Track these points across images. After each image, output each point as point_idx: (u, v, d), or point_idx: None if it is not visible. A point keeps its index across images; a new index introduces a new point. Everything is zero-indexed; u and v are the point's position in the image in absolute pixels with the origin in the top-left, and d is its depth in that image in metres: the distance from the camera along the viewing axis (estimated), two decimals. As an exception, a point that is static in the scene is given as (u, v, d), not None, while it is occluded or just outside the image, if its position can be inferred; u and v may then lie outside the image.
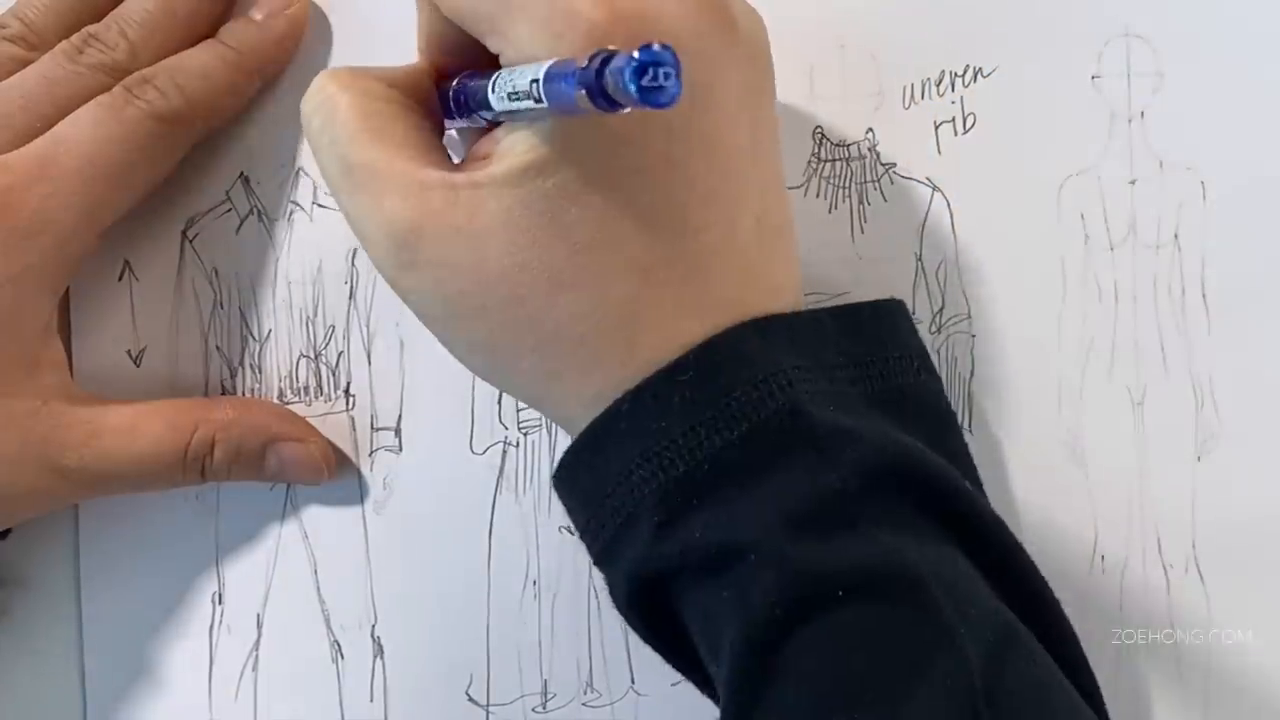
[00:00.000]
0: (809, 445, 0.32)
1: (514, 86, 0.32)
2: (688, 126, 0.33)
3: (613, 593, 0.35)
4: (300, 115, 0.36)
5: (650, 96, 0.27)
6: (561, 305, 0.33)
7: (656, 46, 0.27)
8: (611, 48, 0.28)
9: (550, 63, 0.30)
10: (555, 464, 0.36)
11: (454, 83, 0.37)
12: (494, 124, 0.35)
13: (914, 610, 0.31)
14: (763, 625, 0.31)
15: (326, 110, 0.35)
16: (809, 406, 0.33)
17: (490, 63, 0.34)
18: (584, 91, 0.28)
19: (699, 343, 0.33)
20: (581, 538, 0.35)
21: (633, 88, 0.27)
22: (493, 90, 0.33)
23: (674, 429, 0.33)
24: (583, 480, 0.35)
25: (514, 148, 0.33)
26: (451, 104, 0.37)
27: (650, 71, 0.27)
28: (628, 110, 0.28)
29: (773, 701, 0.31)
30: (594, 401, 0.34)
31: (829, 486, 0.32)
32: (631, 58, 0.27)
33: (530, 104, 0.31)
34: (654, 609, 0.34)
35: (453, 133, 0.39)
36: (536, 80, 0.30)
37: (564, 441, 0.35)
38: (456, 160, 0.37)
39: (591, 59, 0.28)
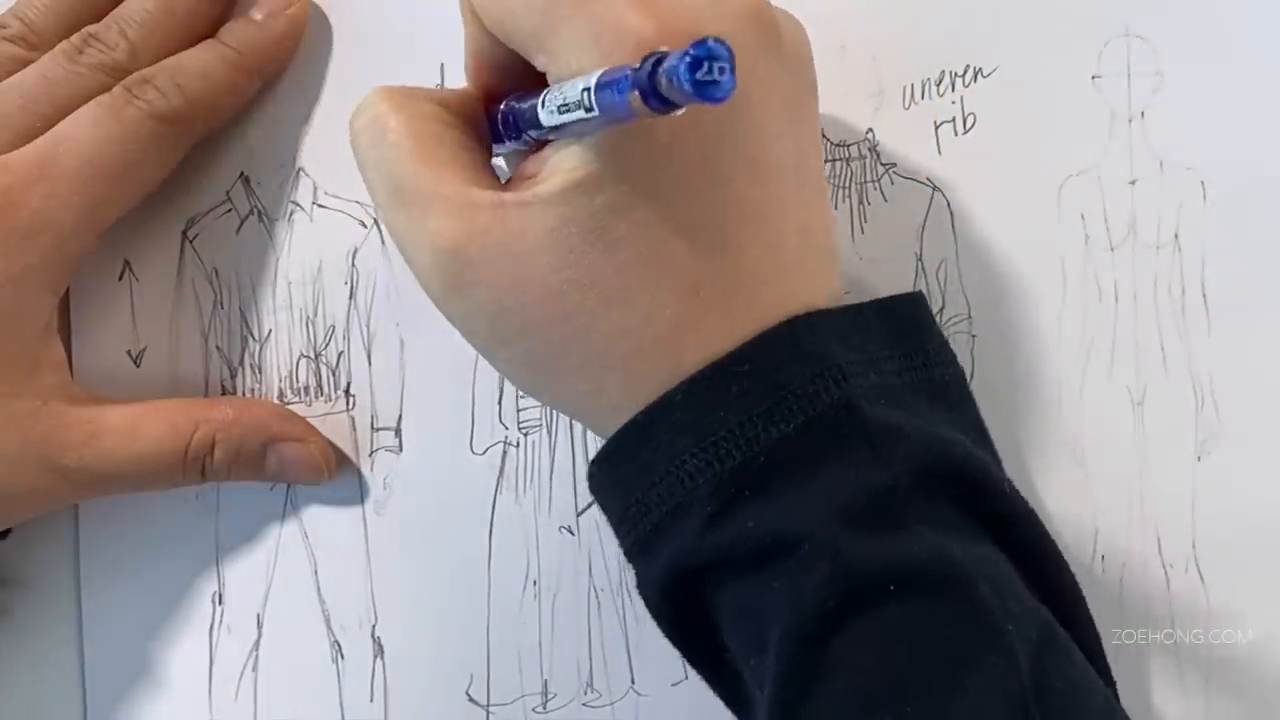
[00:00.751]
0: (862, 440, 0.33)
1: (564, 98, 0.32)
2: (730, 140, 0.34)
3: (643, 584, 0.35)
4: (349, 132, 0.36)
5: (705, 91, 0.28)
6: (609, 322, 0.34)
7: (710, 41, 0.28)
8: (664, 49, 0.29)
9: (601, 71, 0.31)
10: (595, 452, 0.35)
11: (501, 105, 0.37)
12: (541, 145, 0.35)
13: (963, 607, 0.32)
14: (814, 617, 0.32)
15: (376, 128, 0.35)
16: (861, 401, 0.33)
17: (536, 84, 0.34)
18: (637, 93, 0.29)
19: (751, 338, 0.34)
20: (616, 528, 0.35)
21: (688, 83, 0.27)
22: (543, 106, 0.33)
23: (731, 419, 0.33)
24: (623, 468, 0.35)
25: (561, 165, 0.33)
26: (500, 126, 0.37)
27: (705, 66, 0.28)
28: (681, 111, 0.29)
29: (823, 694, 0.31)
30: (635, 411, 0.34)
31: (881, 483, 0.32)
32: (686, 53, 0.28)
33: (581, 114, 0.31)
34: (685, 602, 0.34)
35: (500, 160, 0.39)
36: (588, 89, 0.31)
37: (564, 441, 0.35)
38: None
39: (644, 61, 0.29)
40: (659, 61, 0.28)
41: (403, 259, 0.36)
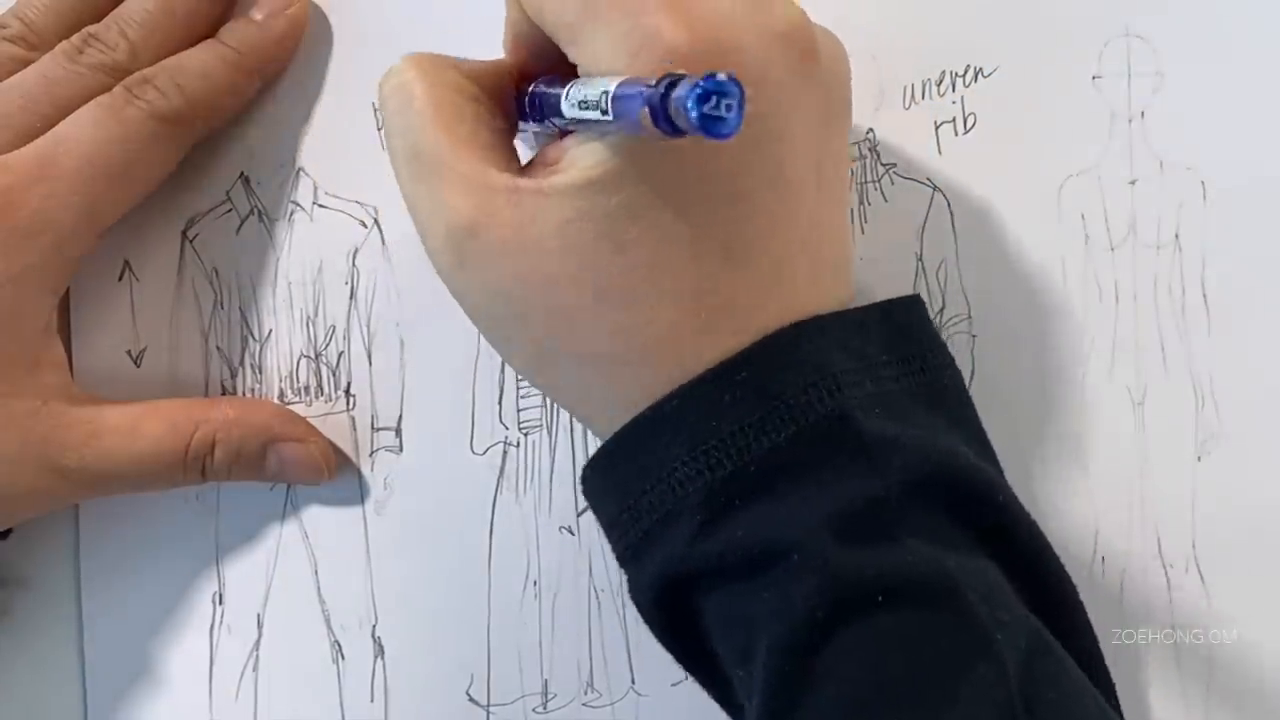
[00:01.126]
0: (855, 451, 0.33)
1: (585, 96, 0.32)
2: (754, 155, 0.33)
3: (634, 589, 0.35)
4: (378, 94, 0.36)
5: (710, 125, 0.27)
6: (611, 321, 0.34)
7: (722, 76, 0.27)
8: (682, 71, 0.28)
9: (623, 78, 0.30)
10: (591, 455, 0.35)
11: (531, 86, 0.37)
12: (565, 132, 0.35)
13: (952, 616, 0.32)
14: (804, 628, 0.31)
15: (403, 95, 0.35)
16: (856, 412, 0.33)
17: (571, 70, 0.34)
18: (647, 111, 0.28)
19: (749, 345, 0.33)
20: (608, 532, 0.35)
21: (694, 114, 0.27)
22: (566, 97, 0.33)
23: (723, 428, 0.33)
24: (619, 473, 0.34)
25: (581, 160, 0.33)
26: (526, 107, 0.37)
27: (713, 100, 0.27)
28: (686, 138, 0.28)
29: (811, 705, 0.31)
30: (632, 414, 0.34)
31: (874, 493, 0.32)
32: (696, 84, 0.27)
33: (598, 115, 0.31)
34: (676, 609, 0.34)
35: (525, 137, 0.39)
36: (607, 92, 0.31)
37: (564, 442, 0.35)
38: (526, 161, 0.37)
39: (660, 80, 0.28)
40: (673, 84, 0.28)
41: (416, 231, 0.36)
